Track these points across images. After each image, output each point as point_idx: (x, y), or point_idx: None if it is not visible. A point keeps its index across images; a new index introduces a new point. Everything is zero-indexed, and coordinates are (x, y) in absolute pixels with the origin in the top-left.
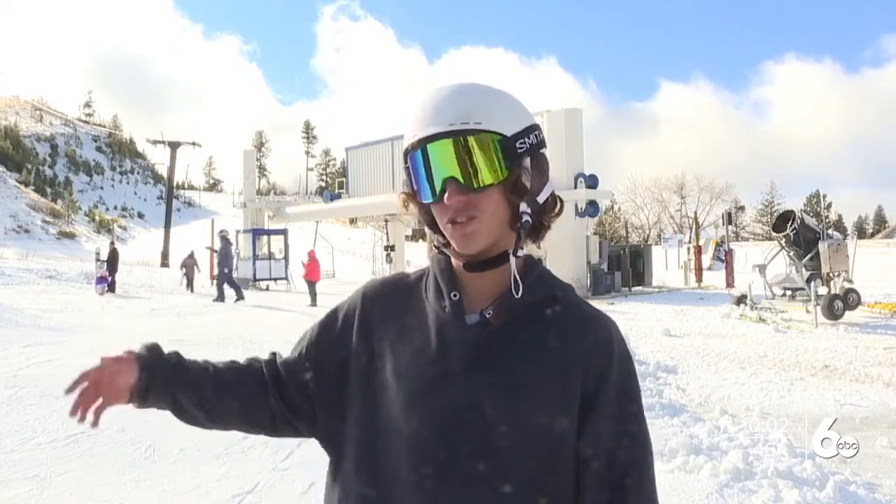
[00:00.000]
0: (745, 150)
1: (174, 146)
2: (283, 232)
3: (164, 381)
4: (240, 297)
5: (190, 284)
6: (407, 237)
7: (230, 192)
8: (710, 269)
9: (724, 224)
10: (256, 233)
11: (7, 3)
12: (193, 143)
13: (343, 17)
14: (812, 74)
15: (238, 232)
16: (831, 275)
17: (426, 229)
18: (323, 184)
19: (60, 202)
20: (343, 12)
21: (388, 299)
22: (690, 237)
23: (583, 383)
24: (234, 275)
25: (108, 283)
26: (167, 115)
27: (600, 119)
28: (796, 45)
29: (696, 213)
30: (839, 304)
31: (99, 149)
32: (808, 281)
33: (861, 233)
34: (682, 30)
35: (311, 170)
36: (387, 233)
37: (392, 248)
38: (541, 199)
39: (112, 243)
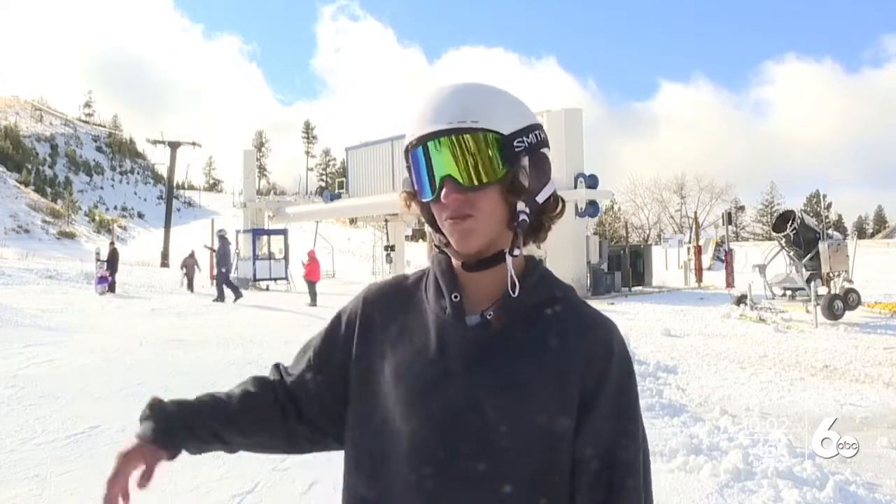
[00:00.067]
0: (745, 150)
1: (174, 146)
2: (283, 232)
3: (180, 421)
4: (238, 295)
5: (190, 284)
6: (407, 237)
7: (230, 192)
8: (710, 269)
9: (724, 224)
10: (256, 233)
11: (7, 3)
12: (193, 143)
13: (343, 17)
14: (812, 74)
15: (238, 232)
16: (831, 275)
17: (427, 228)
18: (323, 184)
19: (60, 202)
20: (343, 12)
21: (389, 302)
22: (690, 237)
23: (582, 383)
24: (234, 274)
25: (108, 283)
26: (167, 115)
27: (600, 119)
28: (796, 45)
29: (696, 213)
30: (839, 304)
31: (99, 149)
32: (808, 281)
33: (861, 233)
34: (682, 30)
35: (311, 170)
36: (387, 233)
37: (392, 248)
38: (540, 198)
39: (112, 243)
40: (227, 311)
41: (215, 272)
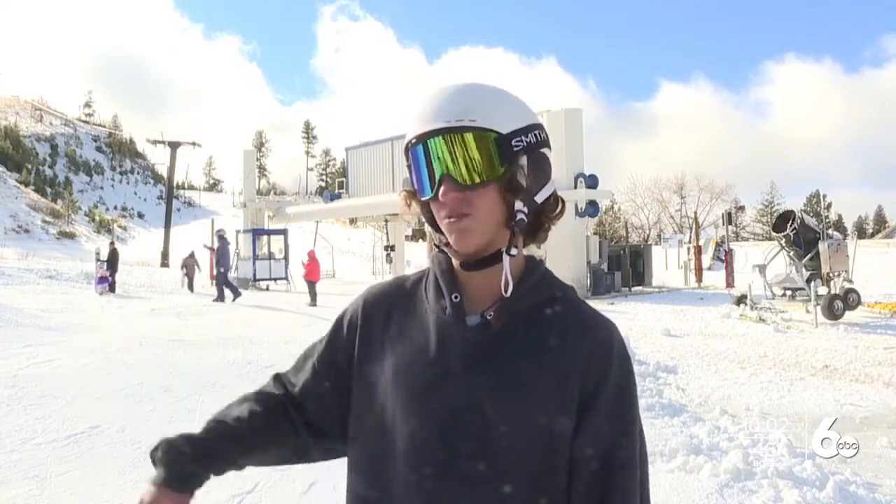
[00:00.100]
0: (745, 150)
1: (174, 146)
2: (283, 232)
3: (194, 463)
4: (236, 295)
5: (190, 284)
6: (407, 237)
7: (230, 192)
8: (710, 269)
9: (724, 224)
10: (256, 233)
11: (7, 3)
12: (193, 143)
13: (343, 17)
14: (812, 74)
15: (238, 232)
16: (831, 275)
17: (427, 228)
18: (323, 184)
19: (60, 202)
20: (343, 12)
21: (389, 302)
22: (690, 237)
23: (582, 383)
24: (234, 274)
25: (108, 283)
26: (167, 115)
27: (600, 119)
28: (796, 45)
29: (696, 213)
30: (839, 304)
31: (99, 149)
32: (808, 281)
33: (861, 233)
34: (682, 30)
35: (311, 170)
36: (387, 233)
37: (392, 248)
38: (539, 198)
39: (112, 243)
40: (227, 311)
41: (215, 272)
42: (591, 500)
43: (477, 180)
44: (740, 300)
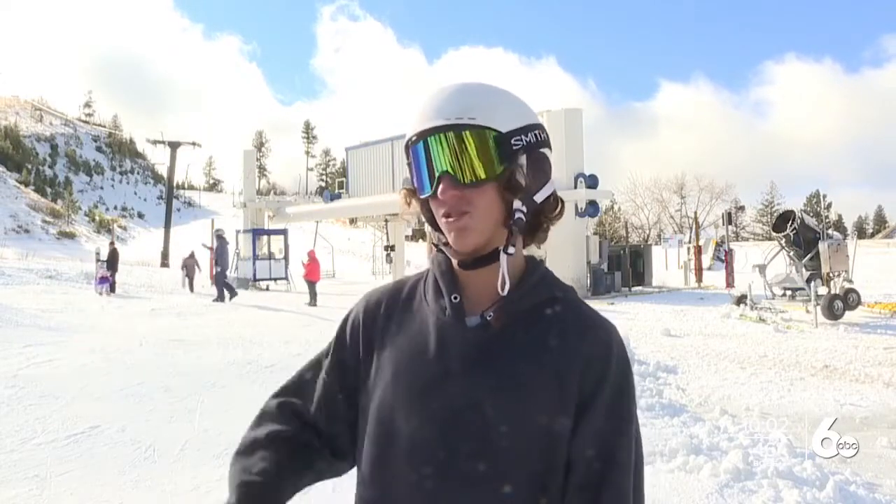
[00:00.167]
0: (745, 150)
1: (174, 146)
2: (283, 232)
3: None
4: (233, 294)
5: (190, 284)
6: (407, 237)
7: (230, 192)
8: (710, 269)
9: (724, 224)
10: (256, 233)
11: (7, 3)
12: (193, 143)
13: (342, 17)
14: (812, 74)
15: (238, 232)
16: (831, 275)
17: (426, 227)
18: (323, 184)
19: (60, 202)
20: (342, 12)
21: (389, 304)
22: (690, 237)
23: (581, 383)
24: (234, 274)
25: (108, 283)
26: (167, 115)
27: (600, 119)
28: (796, 45)
29: (696, 213)
30: (839, 304)
31: (99, 149)
32: (808, 281)
33: (861, 233)
34: (682, 30)
35: (311, 170)
36: (387, 233)
37: (392, 248)
38: (538, 198)
39: (112, 243)
40: (227, 311)
41: (214, 272)
42: (585, 498)
43: (476, 178)
44: (740, 300)
